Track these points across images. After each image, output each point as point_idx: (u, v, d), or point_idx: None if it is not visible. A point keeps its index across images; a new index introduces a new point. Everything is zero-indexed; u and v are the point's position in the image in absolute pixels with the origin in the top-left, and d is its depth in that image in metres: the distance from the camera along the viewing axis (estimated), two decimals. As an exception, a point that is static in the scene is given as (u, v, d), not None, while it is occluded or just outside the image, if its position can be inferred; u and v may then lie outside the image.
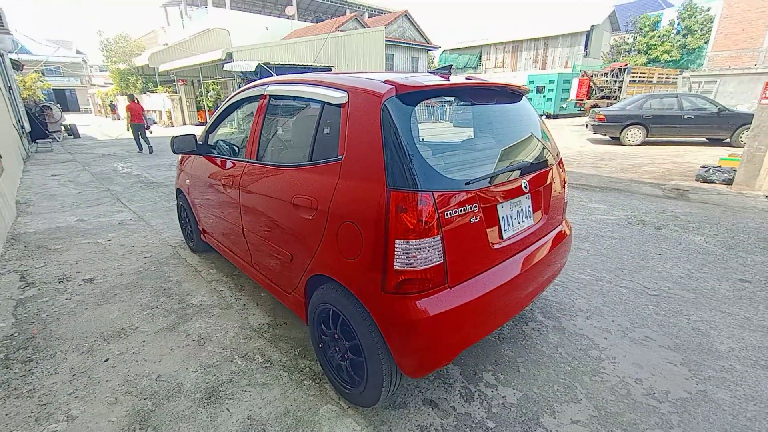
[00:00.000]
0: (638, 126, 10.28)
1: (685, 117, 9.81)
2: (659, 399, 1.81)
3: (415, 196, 1.39)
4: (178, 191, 3.55)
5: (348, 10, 29.34)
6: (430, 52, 31.94)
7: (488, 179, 1.62)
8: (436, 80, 1.66)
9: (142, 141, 10.56)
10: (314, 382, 1.95)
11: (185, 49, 20.54)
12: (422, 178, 1.41)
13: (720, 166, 6.45)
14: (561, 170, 2.19)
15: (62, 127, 14.59)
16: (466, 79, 1.86)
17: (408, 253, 1.39)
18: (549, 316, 2.53)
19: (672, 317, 2.49)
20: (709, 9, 20.68)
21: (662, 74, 16.59)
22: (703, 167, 6.50)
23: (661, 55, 21.79)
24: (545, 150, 2.07)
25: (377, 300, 1.47)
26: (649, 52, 22.45)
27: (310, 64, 15.48)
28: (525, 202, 1.88)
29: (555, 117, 20.89)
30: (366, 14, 30.73)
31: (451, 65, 1.93)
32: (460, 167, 1.64)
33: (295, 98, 2.03)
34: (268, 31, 25.98)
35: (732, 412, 1.73)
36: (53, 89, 30.63)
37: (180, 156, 3.45)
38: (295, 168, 1.88)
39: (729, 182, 6.01)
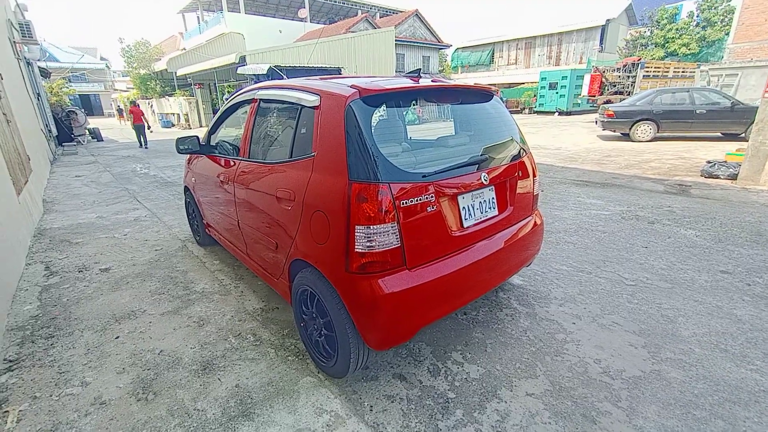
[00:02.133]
0: (648, 122, 10.14)
1: (697, 112, 9.62)
2: (613, 377, 1.94)
3: (373, 187, 1.57)
4: (186, 189, 3.83)
5: (360, 11, 29.62)
6: (441, 50, 31.90)
7: (445, 173, 1.79)
8: (398, 83, 1.84)
9: (141, 138, 12.54)
10: (297, 358, 2.16)
11: (201, 54, 21.22)
12: (380, 172, 1.59)
13: (726, 161, 6.37)
14: (529, 165, 2.33)
15: (86, 131, 15.34)
16: (433, 81, 2.03)
17: (367, 238, 1.58)
18: (524, 303, 2.67)
19: (644, 305, 2.59)
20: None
21: (678, 68, 16.18)
22: (709, 162, 6.43)
23: (679, 48, 21.20)
24: (511, 146, 2.21)
25: (343, 280, 1.66)
26: (666, 45, 21.87)
27: (320, 65, 15.78)
28: (488, 193, 2.04)
29: (568, 114, 20.64)
30: (378, 14, 30.97)
31: (420, 69, 2.10)
32: (421, 162, 1.81)
33: (279, 102, 2.24)
34: (281, 33, 26.54)
35: (680, 389, 1.85)
36: (78, 95, 32.01)
37: (188, 156, 3.73)
38: (278, 164, 2.09)
39: (734, 177, 5.94)
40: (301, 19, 27.56)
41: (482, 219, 2.00)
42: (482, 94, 2.25)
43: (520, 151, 2.27)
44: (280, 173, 2.06)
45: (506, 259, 2.12)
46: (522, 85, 27.32)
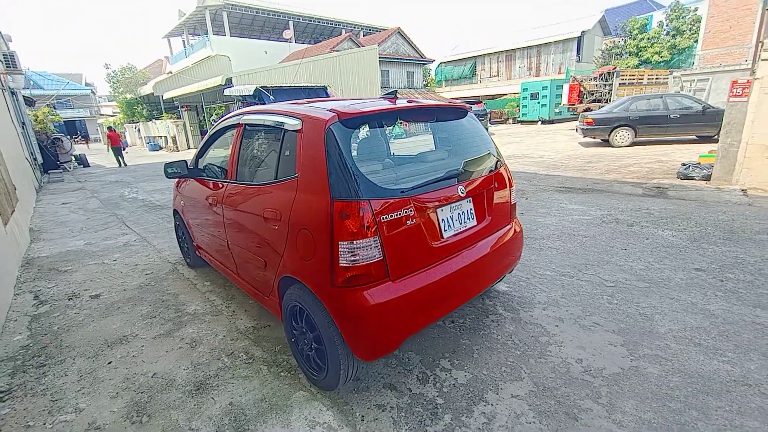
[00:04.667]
0: (626, 127, 10.51)
1: (671, 117, 10.02)
2: (594, 375, 2.03)
3: (354, 205, 1.66)
4: (175, 212, 3.87)
5: (344, 30, 30.33)
6: (425, 65, 32.68)
7: (423, 187, 1.89)
8: (375, 105, 1.96)
9: (119, 159, 14.83)
10: (290, 374, 2.20)
11: (188, 77, 21.41)
12: (360, 189, 1.69)
13: (699, 163, 6.64)
14: (505, 176, 2.45)
15: (72, 158, 15.26)
16: (408, 102, 2.15)
17: (351, 252, 1.66)
18: (509, 308, 2.75)
19: (623, 305, 2.70)
20: (696, 9, 21.04)
21: (652, 75, 16.87)
22: (684, 165, 6.70)
23: (652, 56, 22.11)
24: (486, 159, 2.34)
25: (329, 294, 1.74)
26: (640, 53, 22.79)
27: (305, 84, 16.05)
28: (466, 205, 2.15)
29: (550, 122, 21.21)
30: (361, 33, 31.72)
31: (396, 90, 2.23)
32: (400, 178, 1.91)
33: (264, 126, 2.34)
34: (267, 54, 26.97)
35: (657, 383, 1.94)
36: (64, 121, 31.88)
37: (176, 180, 3.79)
38: (264, 185, 2.18)
39: (708, 178, 6.20)
40: (286, 40, 28.06)
41: (461, 230, 2.10)
42: (456, 111, 2.38)
43: (495, 163, 2.40)
44: (266, 194, 2.14)
45: (487, 266, 2.22)
46: (505, 96, 28.07)
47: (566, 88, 17.83)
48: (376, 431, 1.76)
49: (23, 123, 11.00)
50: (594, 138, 11.33)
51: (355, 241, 1.65)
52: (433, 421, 1.79)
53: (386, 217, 1.72)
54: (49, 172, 12.49)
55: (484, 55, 32.03)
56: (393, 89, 2.37)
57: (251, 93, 13.86)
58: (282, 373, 2.21)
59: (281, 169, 2.06)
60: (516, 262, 2.59)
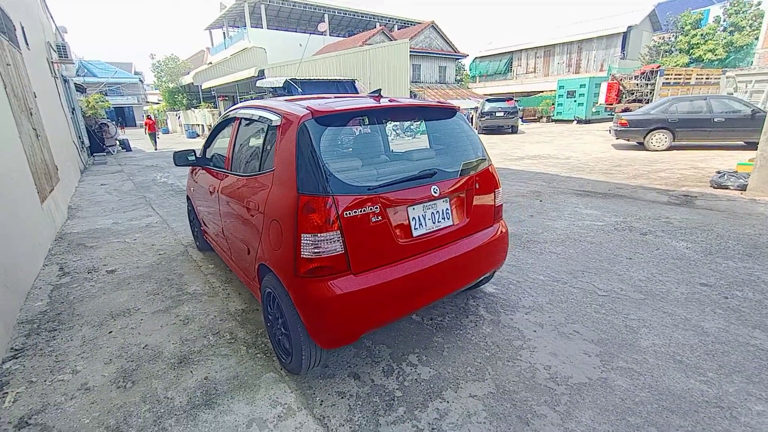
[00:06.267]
0: (664, 130, 9.91)
1: (715, 120, 9.34)
2: (558, 382, 2.00)
3: (318, 199, 1.74)
4: (188, 197, 4.12)
5: (378, 24, 30.27)
6: (458, 60, 32.06)
7: (392, 185, 1.93)
8: (353, 104, 2.01)
9: (154, 142, 17.40)
10: (265, 356, 2.33)
11: (225, 68, 22.25)
12: (326, 185, 1.76)
13: (736, 172, 6.18)
14: (489, 177, 2.43)
15: (117, 142, 16.36)
16: (390, 101, 2.19)
17: (312, 244, 1.74)
18: (491, 310, 2.74)
19: (609, 315, 2.62)
20: (759, 3, 19.26)
21: (701, 75, 15.66)
22: (718, 173, 6.26)
23: (705, 54, 20.50)
24: (468, 159, 2.33)
25: (293, 282, 1.83)
26: (691, 51, 21.21)
27: (334, 78, 16.24)
28: (442, 205, 2.16)
29: (587, 122, 20.28)
30: (396, 27, 31.56)
31: (380, 89, 2.26)
32: (371, 176, 1.94)
33: (253, 121, 2.45)
34: (301, 47, 27.46)
35: (622, 397, 1.89)
36: (114, 107, 34.06)
37: (190, 168, 4.02)
38: (249, 177, 2.30)
39: (744, 188, 5.76)
40: (321, 33, 28.46)
41: (434, 229, 2.12)
42: (442, 111, 2.39)
43: (478, 164, 2.38)
44: (250, 185, 2.26)
45: (461, 267, 2.23)
46: (540, 94, 27.06)
47: (604, 86, 16.94)
48: (330, 416, 1.84)
49: (73, 108, 11.91)
50: (628, 140, 10.77)
51: (317, 234, 1.73)
52: (386, 412, 1.85)
53: (350, 213, 1.78)
54: (94, 154, 13.46)
55: (521, 50, 30.96)
56: (377, 89, 2.36)
57: (281, 85, 14.23)
58: (258, 355, 2.34)
59: (264, 162, 2.17)
60: (498, 265, 2.58)
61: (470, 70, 36.29)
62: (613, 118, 16.17)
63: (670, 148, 10.00)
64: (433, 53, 27.25)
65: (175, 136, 26.76)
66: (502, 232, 2.54)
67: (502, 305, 2.81)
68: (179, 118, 28.01)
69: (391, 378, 2.09)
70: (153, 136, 17.52)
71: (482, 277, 2.49)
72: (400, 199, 1.95)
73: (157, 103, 35.90)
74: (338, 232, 1.75)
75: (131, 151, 16.70)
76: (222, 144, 3.18)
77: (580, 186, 6.70)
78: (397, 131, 15.24)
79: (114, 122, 16.77)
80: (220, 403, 1.94)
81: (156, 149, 16.88)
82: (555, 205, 5.49)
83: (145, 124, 18.09)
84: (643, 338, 2.35)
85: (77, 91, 14.10)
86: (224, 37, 30.17)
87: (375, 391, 2.00)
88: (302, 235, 1.74)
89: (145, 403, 1.96)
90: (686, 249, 3.73)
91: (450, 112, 2.42)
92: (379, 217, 1.87)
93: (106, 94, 26.47)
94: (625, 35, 24.96)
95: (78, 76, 22.24)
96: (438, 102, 2.44)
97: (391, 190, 1.92)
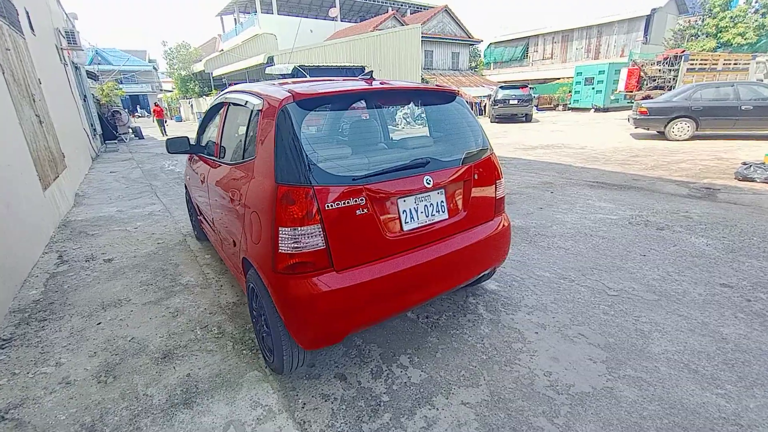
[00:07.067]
0: (686, 119, 9.41)
1: (743, 108, 8.81)
2: (559, 391, 1.86)
3: (298, 190, 1.60)
4: (185, 185, 4.04)
5: (390, 8, 29.57)
6: (473, 46, 31.18)
7: (380, 176, 1.78)
8: (338, 87, 1.85)
9: (162, 128, 18.05)
10: (251, 353, 2.24)
11: (235, 55, 22.13)
12: (306, 175, 1.62)
13: (764, 163, 5.79)
14: (490, 167, 2.26)
15: (130, 130, 16.51)
16: (381, 83, 2.02)
17: (291, 239, 1.61)
18: (491, 309, 2.59)
19: (619, 317, 2.44)
20: (797, -18, 18.01)
21: (729, 60, 14.80)
22: (744, 164, 5.88)
23: (734, 38, 19.36)
24: (466, 148, 2.16)
25: (272, 279, 1.71)
26: (719, 35, 20.07)
27: (342, 64, 15.96)
28: (436, 197, 2.00)
29: (605, 110, 19.53)
30: (408, 11, 30.78)
31: (372, 71, 2.10)
32: (357, 165, 1.79)
33: (238, 105, 2.32)
34: (312, 33, 27.06)
35: (628, 410, 1.73)
36: (129, 95, 34.45)
37: (188, 155, 3.93)
38: (233, 165, 2.18)
39: (772, 181, 5.39)
40: (332, 18, 27.96)
41: (428, 223, 1.97)
42: (440, 95, 2.21)
43: (478, 153, 2.21)
44: (234, 174, 2.14)
45: (457, 264, 2.08)
46: (558, 81, 26.16)
47: (623, 72, 16.19)
48: (312, 420, 1.74)
49: (84, 96, 11.99)
50: (647, 129, 10.28)
51: (296, 228, 1.60)
52: (371, 419, 1.74)
53: (332, 206, 1.64)
54: (107, 142, 13.60)
55: (537, 36, 29.85)
56: (369, 71, 2.21)
57: (289, 72, 14.05)
58: (244, 351, 2.25)
59: (247, 149, 2.04)
60: (499, 262, 2.41)
61: (485, 56, 35.25)
62: (632, 106, 15.56)
63: (692, 138, 9.51)
64: (446, 39, 26.53)
65: (188, 124, 26.91)
66: (503, 226, 2.37)
67: (504, 304, 2.65)
68: (192, 106, 28.14)
69: (379, 380, 1.98)
70: (161, 123, 18.19)
71: (481, 275, 2.33)
72: (388, 190, 1.80)
73: (171, 91, 36.13)
74: (319, 225, 1.62)
75: (143, 138, 16.83)
76: (214, 130, 3.07)
77: (595, 177, 6.40)
78: (407, 119, 14.95)
79: (126, 110, 16.90)
80: (200, 403, 1.86)
81: (165, 136, 17.21)
82: (566, 197, 5.25)
83: (153, 111, 19.23)
84: (655, 344, 2.18)
85: (89, 78, 14.20)
86: (235, 24, 29.94)
87: (361, 394, 1.89)
88: (280, 228, 1.61)
89: (124, 400, 1.90)
90: (706, 246, 3.49)
91: (448, 96, 2.24)
92: (365, 210, 1.72)
93: (120, 82, 26.73)
94: (648, 19, 23.77)
95: (93, 64, 22.45)
96: (436, 85, 2.26)
97: (379, 181, 1.77)
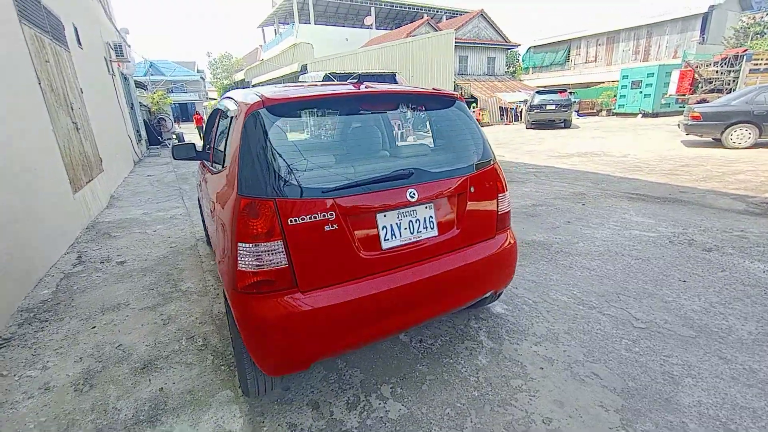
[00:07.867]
0: (748, 124, 8.44)
1: (817, 113, 7.75)
2: (558, 444, 1.58)
3: (257, 202, 1.47)
4: (198, 189, 4.09)
5: (425, 15, 29.52)
6: (510, 51, 30.33)
7: (354, 188, 1.61)
8: (315, 91, 1.71)
9: (200, 135, 16.62)
10: (230, 369, 2.13)
11: (273, 64, 22.96)
12: (268, 186, 1.49)
13: (843, 176, 4.99)
14: (490, 179, 2.02)
15: (174, 135, 17.55)
16: (365, 87, 1.86)
17: (251, 256, 1.48)
18: (493, 336, 2.33)
19: (644, 356, 2.09)
20: None
21: (803, 59, 13.19)
22: (818, 177, 5.10)
23: (809, 34, 17.32)
24: (460, 157, 1.94)
25: (233, 297, 1.59)
26: (791, 32, 18.04)
27: (373, 71, 16.01)
28: (423, 212, 1.80)
29: (654, 116, 18.13)
30: (444, 17, 30.57)
31: (360, 75, 1.94)
32: (329, 176, 1.63)
33: (223, 111, 2.25)
34: (347, 41, 27.57)
35: (642, 476, 1.43)
36: (178, 103, 36.82)
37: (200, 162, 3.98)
38: (215, 174, 2.11)
39: None
40: (368, 27, 28.35)
41: (413, 241, 1.77)
42: (436, 100, 2.01)
43: (477, 163, 1.98)
44: (215, 183, 2.07)
45: (448, 287, 1.86)
46: (602, 85, 24.73)
47: (675, 75, 14.93)
48: (271, 455, 1.59)
49: (132, 104, 12.84)
50: (701, 136, 9.36)
51: (255, 244, 1.47)
52: (335, 458, 1.56)
53: (296, 220, 1.50)
54: (150, 147, 14.48)
55: (580, 38, 28.46)
56: (357, 75, 2.04)
57: (320, 79, 14.28)
58: (222, 367, 2.15)
59: (226, 157, 1.95)
60: (500, 285, 2.15)
61: (523, 61, 34.17)
62: (684, 110, 14.32)
63: (754, 146, 8.51)
64: (481, 44, 25.97)
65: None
66: (509, 244, 2.12)
67: (509, 330, 2.38)
68: (232, 113, 29.48)
69: (353, 412, 1.79)
70: (200, 129, 18.98)
71: (482, 298, 2.09)
72: (363, 205, 1.63)
73: (215, 99, 38.25)
74: (281, 241, 1.48)
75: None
76: (210, 137, 3.05)
77: (635, 188, 5.84)
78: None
79: (170, 116, 17.98)
80: (164, 422, 1.77)
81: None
82: (599, 211, 4.79)
83: (194, 119, 20.29)
84: (685, 393, 1.82)
85: (138, 87, 15.23)
86: (275, 34, 31.17)
87: (330, 427, 1.71)
88: (239, 243, 1.48)
89: (93, 412, 1.85)
90: (763, 273, 2.99)
91: (446, 100, 2.03)
92: (334, 226, 1.56)
93: (171, 91, 28.60)
94: (705, 16, 21.91)
95: (147, 75, 24.20)
96: (433, 89, 2.06)
97: (353, 194, 1.61)
